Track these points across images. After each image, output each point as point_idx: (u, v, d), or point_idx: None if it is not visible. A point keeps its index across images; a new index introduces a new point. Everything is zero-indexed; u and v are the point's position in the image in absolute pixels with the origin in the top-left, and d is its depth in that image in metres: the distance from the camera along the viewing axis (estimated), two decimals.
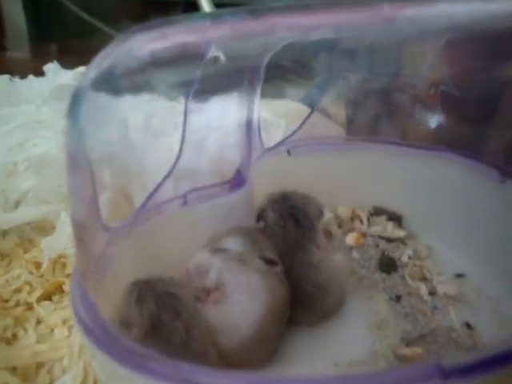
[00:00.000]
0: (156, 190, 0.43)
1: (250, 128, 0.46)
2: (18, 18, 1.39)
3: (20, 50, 1.38)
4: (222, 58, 0.37)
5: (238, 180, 0.46)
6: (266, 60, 0.45)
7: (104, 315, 0.33)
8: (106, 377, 0.31)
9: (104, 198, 0.39)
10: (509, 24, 0.39)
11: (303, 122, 0.58)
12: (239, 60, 0.42)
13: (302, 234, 0.43)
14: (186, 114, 0.40)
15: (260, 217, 0.45)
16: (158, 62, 0.35)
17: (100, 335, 0.29)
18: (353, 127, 0.70)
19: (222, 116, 0.48)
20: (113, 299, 0.35)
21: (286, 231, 0.43)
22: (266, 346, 0.39)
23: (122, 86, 0.37)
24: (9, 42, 1.41)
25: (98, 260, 0.35)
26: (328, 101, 0.71)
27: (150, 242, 0.41)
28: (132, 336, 0.32)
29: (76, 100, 0.30)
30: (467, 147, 0.51)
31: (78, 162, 0.28)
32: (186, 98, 0.39)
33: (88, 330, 0.29)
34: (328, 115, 0.72)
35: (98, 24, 1.35)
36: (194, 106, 0.46)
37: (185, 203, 0.44)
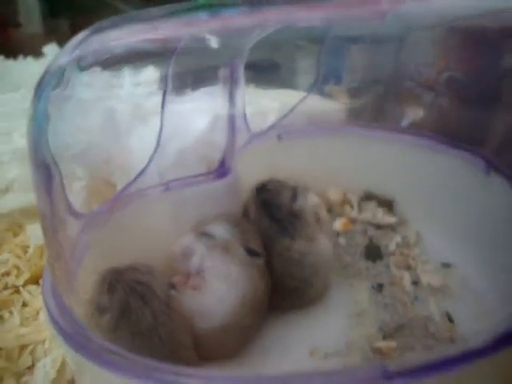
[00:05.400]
0: (138, 175, 0.43)
1: (232, 116, 0.45)
2: None
3: (32, 26, 1.38)
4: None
5: (222, 170, 0.46)
6: (249, 46, 0.44)
7: (79, 301, 0.34)
8: (74, 365, 0.32)
9: (78, 186, 0.39)
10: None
11: (295, 106, 0.57)
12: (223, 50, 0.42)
13: (278, 227, 0.42)
14: (163, 103, 0.39)
15: (245, 212, 0.45)
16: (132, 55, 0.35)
17: (67, 330, 0.29)
18: (354, 113, 0.68)
19: (208, 102, 0.48)
20: (90, 283, 0.36)
21: (262, 227, 0.42)
22: (241, 335, 0.39)
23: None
24: (21, 18, 1.41)
25: (72, 247, 0.35)
26: (331, 87, 0.70)
27: (129, 226, 0.41)
28: (105, 321, 0.33)
29: (40, 89, 0.30)
30: (468, 133, 0.50)
31: (40, 153, 0.28)
32: (164, 88, 0.39)
33: (56, 325, 0.30)
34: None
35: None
36: (180, 92, 0.45)
37: (167, 189, 0.44)
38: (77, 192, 0.39)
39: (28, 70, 0.70)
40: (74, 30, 0.33)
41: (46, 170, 0.28)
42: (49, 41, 0.77)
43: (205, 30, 0.34)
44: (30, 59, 0.75)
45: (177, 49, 0.36)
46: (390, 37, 0.51)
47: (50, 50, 0.73)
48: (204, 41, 0.36)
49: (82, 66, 0.33)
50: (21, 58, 0.79)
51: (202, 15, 0.31)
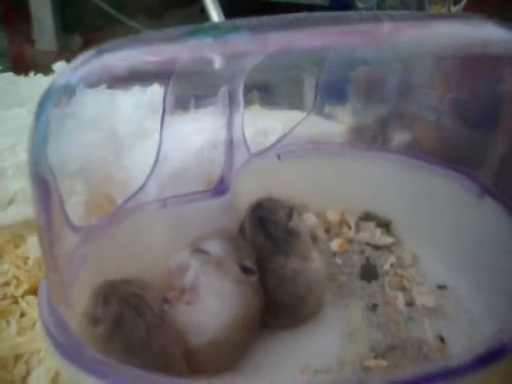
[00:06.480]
0: (137, 191, 0.44)
1: (231, 136, 0.46)
2: (44, 10, 1.42)
3: (46, 43, 1.41)
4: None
5: (220, 188, 0.46)
6: (249, 68, 0.45)
7: (74, 313, 0.35)
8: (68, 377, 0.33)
9: (77, 200, 0.40)
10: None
11: (295, 126, 0.58)
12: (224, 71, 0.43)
13: (272, 244, 0.43)
14: (162, 121, 0.40)
15: (240, 229, 0.45)
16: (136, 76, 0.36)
17: (62, 342, 0.30)
18: (359, 134, 0.69)
19: (208, 121, 0.49)
20: (85, 296, 0.36)
21: (257, 244, 0.43)
22: (233, 351, 0.39)
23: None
24: (35, 34, 1.44)
25: (68, 260, 0.36)
26: (335, 108, 0.71)
27: (127, 241, 0.42)
28: (98, 333, 0.34)
29: (42, 105, 0.31)
30: (468, 154, 0.50)
31: (38, 168, 0.29)
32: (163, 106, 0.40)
33: (51, 336, 0.31)
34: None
35: (122, 17, 1.38)
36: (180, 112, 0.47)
37: (164, 205, 0.45)
38: (75, 206, 0.40)
39: (36, 85, 0.71)
40: (87, 47, 0.34)
41: (43, 185, 0.29)
42: (62, 58, 0.78)
43: (207, 52, 0.34)
44: (39, 75, 0.77)
45: (175, 70, 0.36)
46: (389, 63, 0.52)
47: (60, 67, 0.75)
48: (205, 62, 0.37)
49: (85, 84, 0.34)
50: (31, 74, 0.81)
51: (207, 39, 0.32)
